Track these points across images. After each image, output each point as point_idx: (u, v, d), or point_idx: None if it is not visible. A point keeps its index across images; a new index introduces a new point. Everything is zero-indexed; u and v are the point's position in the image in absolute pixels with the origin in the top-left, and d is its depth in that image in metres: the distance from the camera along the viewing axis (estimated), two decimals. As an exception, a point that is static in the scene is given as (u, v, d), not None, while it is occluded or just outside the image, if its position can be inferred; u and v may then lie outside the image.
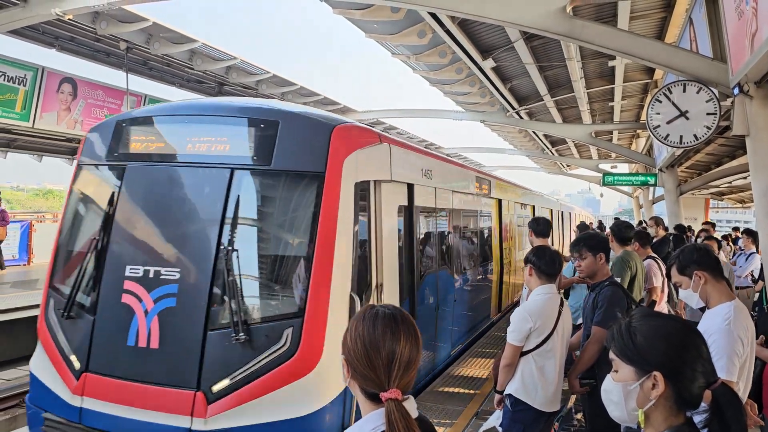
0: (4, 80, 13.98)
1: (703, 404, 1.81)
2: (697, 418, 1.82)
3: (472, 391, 7.35)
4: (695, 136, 8.37)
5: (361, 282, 5.29)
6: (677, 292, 6.86)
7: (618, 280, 5.80)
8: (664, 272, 6.61)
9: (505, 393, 4.27)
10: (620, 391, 1.88)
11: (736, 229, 20.23)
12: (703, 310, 3.45)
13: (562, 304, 4.31)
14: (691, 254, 3.43)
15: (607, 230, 9.99)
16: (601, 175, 24.38)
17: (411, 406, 1.80)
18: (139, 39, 12.85)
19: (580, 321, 5.40)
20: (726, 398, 1.80)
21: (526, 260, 4.39)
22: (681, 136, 8.46)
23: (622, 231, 6.58)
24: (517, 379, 4.18)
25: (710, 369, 1.83)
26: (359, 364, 1.78)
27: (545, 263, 4.29)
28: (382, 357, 1.77)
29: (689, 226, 16.03)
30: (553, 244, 14.16)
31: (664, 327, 1.88)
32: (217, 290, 4.65)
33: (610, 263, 5.72)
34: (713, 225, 12.48)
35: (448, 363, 8.49)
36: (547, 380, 4.15)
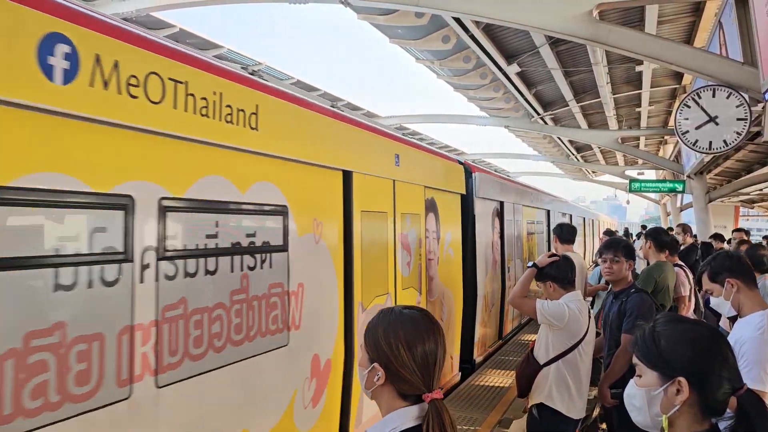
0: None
1: (728, 411, 1.76)
2: (722, 425, 1.78)
3: (495, 399, 7.27)
4: (725, 141, 8.22)
5: None
6: (704, 301, 6.77)
7: (640, 285, 5.74)
8: (691, 280, 6.49)
9: (533, 403, 4.24)
10: (643, 396, 1.85)
11: (766, 237, 19.78)
12: (734, 319, 3.37)
13: (589, 311, 4.32)
14: (724, 261, 3.36)
15: (633, 237, 9.78)
16: (627, 181, 24.01)
17: None
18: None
19: None
20: (752, 405, 1.75)
21: (547, 276, 4.32)
22: (710, 142, 8.31)
23: (661, 236, 6.54)
24: (550, 387, 4.14)
25: (736, 375, 1.79)
26: (402, 368, 1.77)
27: (570, 274, 4.29)
28: (428, 359, 1.78)
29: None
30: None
31: (689, 332, 1.85)
32: None
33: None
34: (747, 232, 12.05)
35: None
36: (576, 387, 4.12)
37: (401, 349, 1.77)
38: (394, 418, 1.76)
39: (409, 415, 1.75)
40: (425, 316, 1.87)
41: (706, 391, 1.75)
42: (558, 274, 4.27)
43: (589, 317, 4.24)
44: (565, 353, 4.10)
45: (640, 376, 1.88)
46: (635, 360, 1.91)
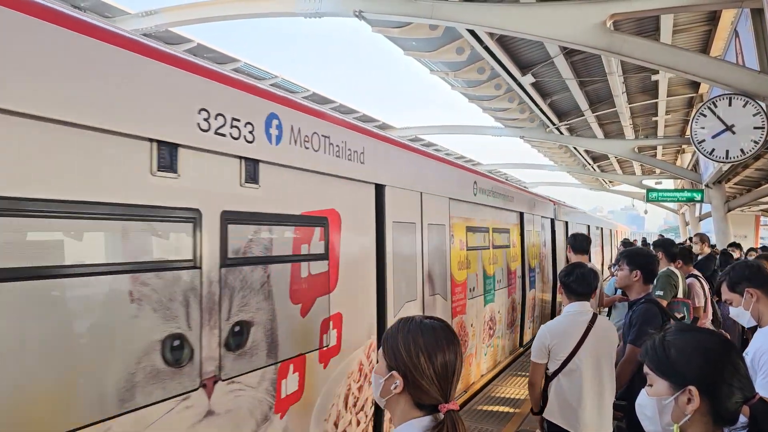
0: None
1: (742, 419, 1.76)
2: None
3: (510, 410, 7.24)
4: (742, 150, 8.17)
5: None
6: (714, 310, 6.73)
7: (661, 293, 5.68)
8: (707, 291, 6.45)
9: (543, 418, 4.18)
10: (654, 405, 1.85)
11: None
12: (754, 329, 3.34)
13: (593, 321, 4.11)
14: (743, 271, 3.34)
15: (651, 247, 9.73)
16: (644, 191, 23.82)
17: None
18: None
19: None
20: (764, 414, 1.75)
21: (559, 277, 4.33)
22: (727, 151, 8.26)
23: (671, 247, 6.59)
24: (551, 401, 4.07)
25: (747, 384, 1.78)
26: (420, 377, 1.77)
27: (573, 281, 4.18)
28: (447, 369, 1.79)
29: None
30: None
31: (700, 341, 1.85)
32: None
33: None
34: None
35: None
36: (581, 402, 3.97)
37: (421, 357, 1.77)
38: (421, 425, 1.77)
39: (421, 426, 1.76)
40: (445, 326, 1.88)
41: (717, 400, 1.75)
42: (571, 283, 4.21)
43: (588, 328, 4.06)
44: (561, 367, 4.01)
45: (651, 386, 1.89)
46: (646, 369, 1.91)
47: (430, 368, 1.76)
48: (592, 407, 4.01)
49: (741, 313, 3.31)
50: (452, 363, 1.79)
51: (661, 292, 5.75)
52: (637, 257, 4.61)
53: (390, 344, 1.86)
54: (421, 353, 1.78)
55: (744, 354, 3.16)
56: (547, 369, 4.17)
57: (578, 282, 4.18)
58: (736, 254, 11.72)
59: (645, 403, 1.90)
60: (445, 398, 1.77)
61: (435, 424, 1.75)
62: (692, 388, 1.76)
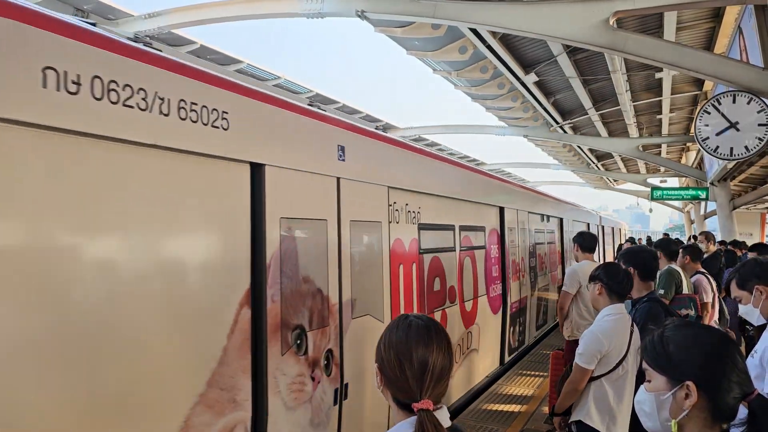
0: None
1: (742, 414, 1.75)
2: (736, 431, 1.77)
3: (516, 409, 7.23)
4: (746, 148, 8.13)
5: None
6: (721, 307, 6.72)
7: (662, 291, 5.68)
8: (714, 287, 6.44)
9: (572, 419, 4.02)
10: (653, 401, 1.86)
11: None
12: (763, 327, 3.32)
13: (633, 324, 4.02)
14: (753, 268, 3.32)
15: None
16: (649, 189, 23.76)
17: (443, 416, 1.79)
18: (188, 61, 13.17)
19: None
20: (763, 410, 1.74)
21: (594, 278, 4.14)
22: (731, 149, 8.23)
23: (669, 245, 6.61)
24: (589, 405, 3.89)
25: (746, 380, 1.77)
26: (391, 373, 1.80)
27: (617, 283, 4.03)
28: (414, 367, 1.77)
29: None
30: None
31: (698, 336, 1.85)
32: None
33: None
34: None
35: None
36: (624, 406, 3.88)
37: (392, 354, 1.81)
38: (405, 428, 1.77)
39: (410, 425, 1.75)
40: (425, 325, 1.85)
41: (716, 396, 1.74)
42: (614, 285, 4.03)
43: (632, 330, 3.98)
44: (609, 371, 3.87)
45: (649, 381, 1.89)
46: (645, 365, 1.91)
47: (398, 366, 1.78)
48: (628, 408, 3.93)
49: (750, 311, 3.30)
50: (424, 361, 1.76)
51: (662, 291, 5.75)
52: (631, 255, 4.65)
53: (379, 338, 1.91)
54: (392, 350, 1.81)
55: (753, 351, 3.15)
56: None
57: (622, 284, 4.06)
58: (738, 253, 11.72)
59: (643, 399, 1.91)
60: (418, 397, 1.75)
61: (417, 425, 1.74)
62: (690, 383, 1.75)
